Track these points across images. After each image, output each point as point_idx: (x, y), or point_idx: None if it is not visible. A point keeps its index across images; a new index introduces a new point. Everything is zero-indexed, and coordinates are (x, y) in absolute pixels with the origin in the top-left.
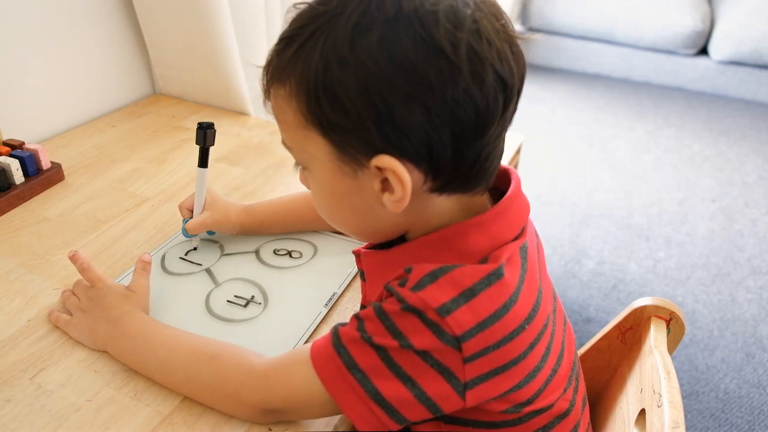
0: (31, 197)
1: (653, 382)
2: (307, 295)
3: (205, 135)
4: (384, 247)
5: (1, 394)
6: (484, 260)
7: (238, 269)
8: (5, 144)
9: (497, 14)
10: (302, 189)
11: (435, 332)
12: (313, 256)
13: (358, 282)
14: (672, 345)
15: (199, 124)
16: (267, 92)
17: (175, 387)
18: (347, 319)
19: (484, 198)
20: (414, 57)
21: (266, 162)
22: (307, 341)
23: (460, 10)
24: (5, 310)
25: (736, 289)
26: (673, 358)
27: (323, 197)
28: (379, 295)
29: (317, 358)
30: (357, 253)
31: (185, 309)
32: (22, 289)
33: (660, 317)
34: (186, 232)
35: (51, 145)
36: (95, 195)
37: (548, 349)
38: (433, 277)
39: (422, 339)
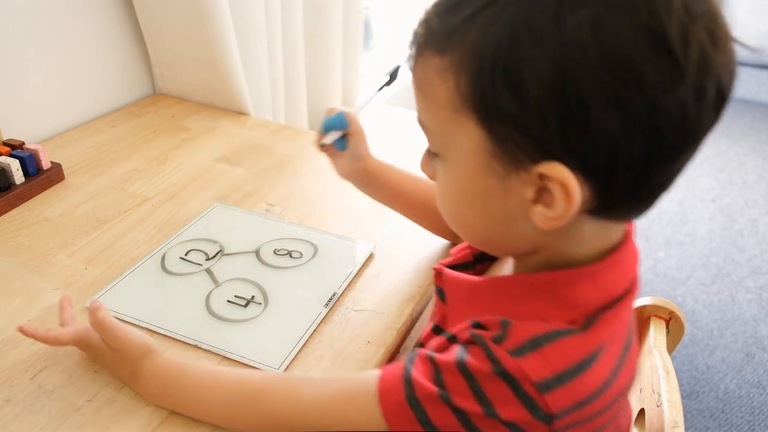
0: (31, 197)
1: (653, 382)
2: (307, 295)
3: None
4: (471, 267)
5: (1, 394)
6: (590, 320)
7: (238, 269)
8: (5, 144)
9: (722, 14)
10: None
11: (527, 406)
12: (313, 256)
13: (358, 282)
14: (672, 345)
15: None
16: (415, 58)
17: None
18: (347, 319)
19: (621, 229)
20: (632, 50)
21: (266, 162)
22: (306, 341)
23: (694, 1)
24: (5, 310)
25: (736, 289)
26: (672, 358)
27: (453, 193)
28: (461, 329)
29: (387, 401)
30: (438, 272)
31: (185, 309)
32: (22, 289)
33: (659, 317)
34: (334, 119)
35: (51, 145)
36: (95, 195)
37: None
38: (536, 344)
39: (512, 411)
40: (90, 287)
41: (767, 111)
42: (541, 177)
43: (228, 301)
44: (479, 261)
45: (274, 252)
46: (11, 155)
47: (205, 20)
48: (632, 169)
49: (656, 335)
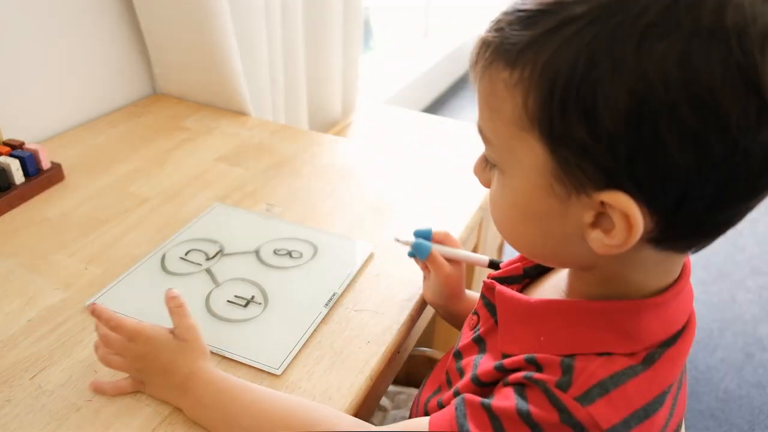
0: (31, 197)
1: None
2: (307, 295)
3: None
4: (519, 280)
5: (1, 394)
6: (653, 356)
7: (238, 269)
8: (5, 144)
9: None
10: None
11: None
12: (313, 256)
13: (358, 282)
14: None
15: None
16: (484, 68)
17: None
18: (347, 319)
19: (681, 260)
20: (719, 87)
21: (266, 162)
22: (306, 341)
23: None
24: (5, 310)
25: (736, 289)
26: None
27: (509, 209)
28: (514, 363)
29: None
30: (490, 286)
31: None
32: (22, 289)
33: None
34: (421, 245)
35: (51, 145)
36: (95, 195)
37: None
38: (604, 389)
39: None
40: (90, 287)
41: None
42: (603, 204)
43: (228, 301)
44: (528, 275)
45: (274, 252)
46: (11, 155)
47: (205, 20)
48: (701, 205)
49: None
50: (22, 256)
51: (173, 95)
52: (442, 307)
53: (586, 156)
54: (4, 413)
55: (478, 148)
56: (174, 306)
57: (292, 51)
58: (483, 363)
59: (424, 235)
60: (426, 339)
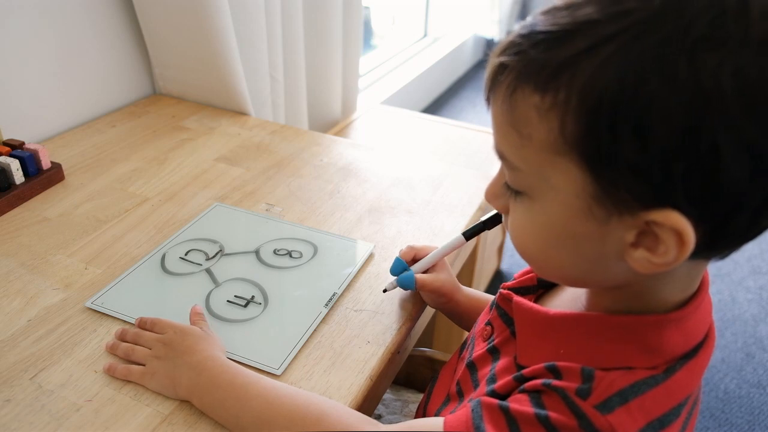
0: (31, 197)
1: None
2: (307, 295)
3: (496, 220)
4: (533, 291)
5: (1, 394)
6: (673, 367)
7: (238, 269)
8: (5, 144)
9: None
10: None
11: None
12: (313, 256)
13: (358, 282)
14: None
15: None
16: (508, 93)
17: None
18: (347, 319)
19: (705, 268)
20: None
21: (266, 162)
22: (306, 341)
23: None
24: (5, 310)
25: (736, 289)
26: None
27: (540, 233)
28: (534, 371)
29: None
30: (507, 297)
31: (185, 309)
32: (22, 289)
33: None
34: (405, 277)
35: (51, 145)
36: (95, 195)
37: None
38: (623, 398)
39: None
40: (90, 287)
41: None
42: (648, 223)
43: (228, 301)
44: (542, 286)
45: (274, 252)
46: (11, 155)
47: (205, 20)
48: (747, 216)
49: None
50: (22, 256)
51: (173, 95)
52: (445, 309)
53: (634, 175)
54: (4, 413)
55: (478, 148)
56: (196, 318)
57: (292, 51)
58: (500, 375)
59: (400, 267)
60: (426, 339)
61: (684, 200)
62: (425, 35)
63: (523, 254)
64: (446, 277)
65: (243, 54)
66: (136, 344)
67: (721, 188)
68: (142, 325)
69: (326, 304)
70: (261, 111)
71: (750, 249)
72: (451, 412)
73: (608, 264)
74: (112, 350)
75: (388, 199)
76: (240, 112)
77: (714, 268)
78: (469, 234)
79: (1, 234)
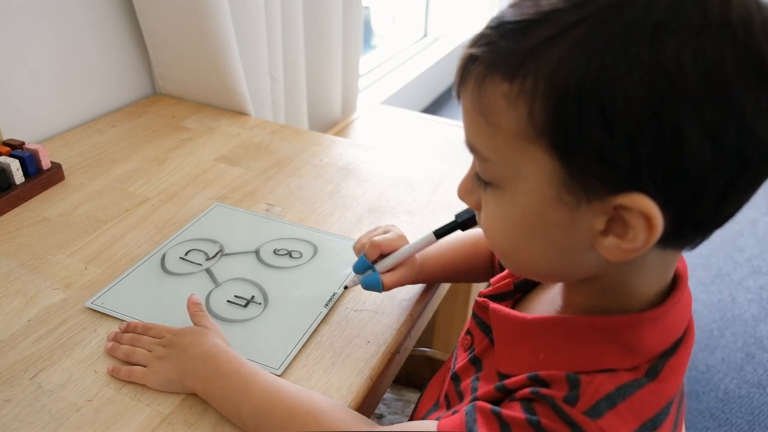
0: (31, 197)
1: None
2: (307, 295)
3: (466, 224)
4: (510, 296)
5: (1, 394)
6: (655, 367)
7: (238, 269)
8: (5, 144)
9: None
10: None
11: None
12: (313, 256)
13: None
14: None
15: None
16: (477, 83)
17: None
18: (347, 319)
19: (678, 259)
20: (733, 79)
21: (266, 162)
22: (306, 341)
23: None
24: (5, 310)
25: (736, 289)
26: None
27: (512, 224)
28: (517, 382)
29: None
30: (483, 305)
31: (185, 309)
32: (22, 289)
33: None
34: (369, 279)
35: (51, 145)
36: (95, 195)
37: None
38: (611, 402)
39: None
40: (90, 287)
41: None
42: (617, 208)
43: (228, 301)
44: (519, 290)
45: (274, 252)
46: (11, 155)
47: (205, 20)
48: (712, 199)
49: None
50: (22, 256)
51: (173, 95)
52: (414, 282)
53: (602, 160)
54: (4, 413)
55: None
56: (194, 310)
57: (293, 51)
58: (482, 385)
59: (364, 266)
60: (426, 339)
61: (650, 184)
62: (425, 35)
63: (496, 248)
64: (411, 268)
65: (243, 54)
66: (130, 357)
67: (685, 171)
68: (133, 330)
69: (326, 304)
70: (261, 111)
71: (750, 249)
72: (437, 417)
73: (580, 254)
74: (111, 352)
75: (388, 199)
76: (240, 112)
77: (714, 268)
78: (441, 233)
79: (1, 234)
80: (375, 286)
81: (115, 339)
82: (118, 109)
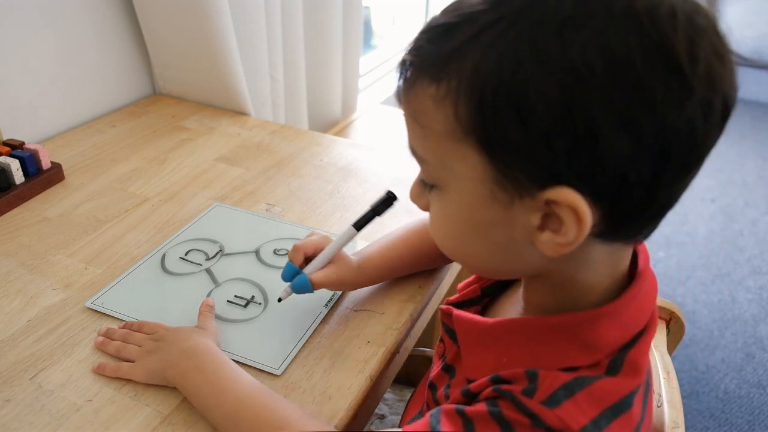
0: (31, 197)
1: (653, 383)
2: (307, 295)
3: (388, 203)
4: (478, 302)
5: (1, 394)
6: (616, 362)
7: (238, 269)
8: (5, 144)
9: (721, 28)
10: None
11: None
12: None
13: None
14: (672, 345)
15: (390, 194)
16: (408, 87)
17: None
18: (347, 319)
19: (629, 252)
20: (641, 69)
21: (266, 162)
22: (306, 342)
23: (696, 15)
24: (5, 310)
25: (736, 289)
26: (673, 358)
27: (454, 224)
28: (480, 386)
29: None
30: (447, 312)
31: (185, 309)
32: (22, 289)
33: (660, 317)
34: (297, 282)
35: (51, 145)
36: (95, 195)
37: None
38: (569, 391)
39: None
40: (90, 287)
41: (767, 111)
42: (548, 203)
43: (228, 301)
44: (486, 295)
45: (274, 252)
46: (11, 155)
47: (205, 20)
48: (640, 190)
49: (657, 336)
50: (22, 256)
51: (173, 95)
52: (365, 285)
53: (524, 155)
54: (4, 413)
55: None
56: (203, 310)
57: (293, 51)
58: (452, 392)
59: (292, 272)
60: (426, 339)
61: (575, 178)
62: None
63: (444, 248)
64: (343, 267)
65: (243, 54)
66: (120, 352)
67: (606, 164)
68: (129, 328)
69: (326, 304)
70: (261, 111)
71: (750, 249)
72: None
73: (521, 250)
74: (101, 347)
75: None
76: (240, 112)
77: (714, 268)
78: (360, 224)
79: (1, 234)
80: (304, 287)
81: (107, 335)
82: (118, 109)
